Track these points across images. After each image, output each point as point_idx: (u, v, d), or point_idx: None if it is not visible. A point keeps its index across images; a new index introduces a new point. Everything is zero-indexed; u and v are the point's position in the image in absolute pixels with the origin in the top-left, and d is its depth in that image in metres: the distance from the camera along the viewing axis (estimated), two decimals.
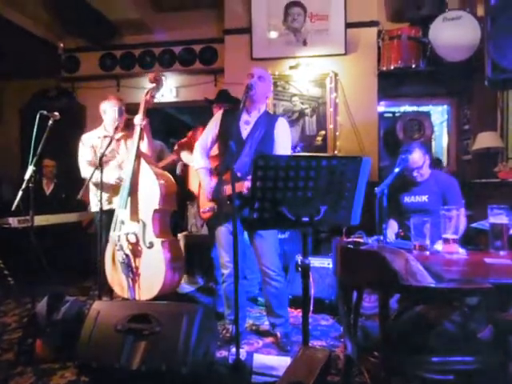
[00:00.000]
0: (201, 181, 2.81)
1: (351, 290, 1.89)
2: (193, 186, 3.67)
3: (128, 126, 3.45)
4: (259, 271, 2.75)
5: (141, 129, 3.16)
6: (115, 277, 3.09)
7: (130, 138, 3.44)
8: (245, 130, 2.68)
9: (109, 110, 3.41)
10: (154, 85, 3.25)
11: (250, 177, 2.37)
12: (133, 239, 3.04)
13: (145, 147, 3.24)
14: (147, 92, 3.23)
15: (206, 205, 2.78)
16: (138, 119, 3.17)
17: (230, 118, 2.70)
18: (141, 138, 3.17)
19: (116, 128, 3.32)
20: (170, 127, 6.35)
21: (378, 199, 2.40)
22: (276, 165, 1.73)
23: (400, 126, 4.59)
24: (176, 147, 3.84)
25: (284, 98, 4.73)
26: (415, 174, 2.94)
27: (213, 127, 2.79)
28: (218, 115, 2.82)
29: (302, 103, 4.69)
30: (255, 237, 2.68)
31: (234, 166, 2.30)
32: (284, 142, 2.69)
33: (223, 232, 2.72)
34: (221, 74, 5.01)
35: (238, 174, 2.57)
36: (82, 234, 4.56)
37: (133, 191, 3.10)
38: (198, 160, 2.81)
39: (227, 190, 2.60)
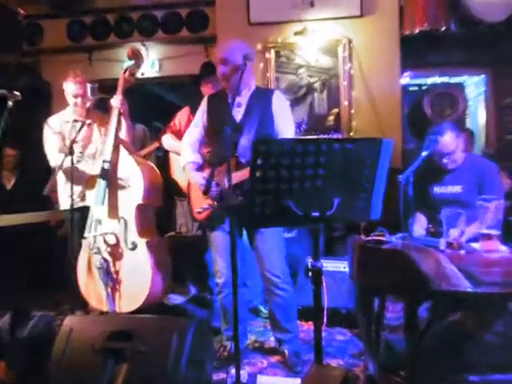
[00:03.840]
0: (190, 178, 2.82)
1: (372, 298, 1.89)
2: (177, 176, 3.67)
3: (101, 109, 3.44)
4: (261, 277, 2.75)
5: (119, 112, 3.16)
6: (91, 286, 3.10)
7: (105, 122, 3.43)
8: (238, 113, 2.70)
9: (68, 96, 3.41)
10: (133, 61, 3.24)
11: None
12: (112, 240, 3.04)
13: (123, 133, 3.24)
14: (125, 70, 3.23)
15: (201, 203, 2.76)
16: (117, 101, 3.17)
17: (217, 103, 2.74)
18: (119, 122, 3.17)
19: (87, 110, 3.31)
20: (153, 108, 6.33)
21: (403, 189, 2.39)
22: (279, 150, 1.72)
23: (428, 102, 4.57)
24: (162, 133, 3.82)
25: (288, 71, 4.71)
26: (445, 160, 2.93)
27: (199, 118, 2.84)
28: (202, 104, 2.86)
29: (310, 76, 4.66)
30: (256, 237, 2.68)
31: (230, 153, 2.29)
32: (285, 119, 2.73)
33: (219, 235, 2.72)
34: (212, 42, 4.96)
35: (242, 161, 2.59)
36: (51, 236, 4.56)
37: (111, 184, 3.10)
38: (185, 153, 2.84)
39: (234, 178, 2.57)
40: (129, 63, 3.24)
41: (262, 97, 2.73)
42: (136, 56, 3.25)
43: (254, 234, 2.68)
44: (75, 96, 3.38)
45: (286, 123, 2.70)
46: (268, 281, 2.70)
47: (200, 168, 2.80)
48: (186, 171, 2.85)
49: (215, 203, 2.65)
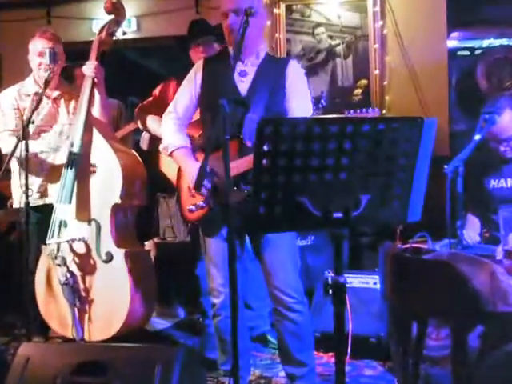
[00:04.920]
0: (182, 167, 2.81)
1: (410, 322, 1.91)
2: (166, 167, 3.67)
3: (68, 79, 3.45)
4: (269, 296, 2.77)
5: (93, 82, 3.17)
6: (52, 306, 3.11)
7: (73, 98, 3.45)
8: (242, 84, 2.70)
9: (32, 55, 3.39)
10: (113, 16, 3.25)
11: None
12: (81, 249, 3.05)
13: (97, 110, 3.25)
14: (102, 28, 3.24)
15: (194, 199, 2.76)
16: (90, 68, 3.17)
17: (215, 68, 2.72)
18: (92, 96, 3.18)
19: (47, 81, 3.33)
20: (128, 79, 6.35)
21: (450, 183, 2.40)
22: (292, 132, 1.73)
23: (482, 70, 4.57)
24: (137, 111, 3.81)
25: (303, 30, 4.72)
26: (503, 148, 2.93)
27: (191, 85, 2.80)
28: (197, 66, 2.84)
29: (331, 37, 4.67)
30: (263, 245, 2.69)
31: (228, 134, 2.29)
32: (302, 95, 2.74)
33: (216, 242, 2.72)
34: None
35: (248, 144, 2.60)
36: (0, 242, 4.59)
37: (81, 177, 3.11)
38: (171, 137, 2.78)
39: (237, 166, 2.56)
40: (108, 20, 3.23)
41: (273, 66, 2.74)
42: (117, 9, 3.24)
43: (260, 241, 2.69)
44: (40, 53, 3.32)
45: (302, 100, 2.72)
46: (278, 301, 2.70)
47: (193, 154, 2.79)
48: (175, 159, 2.82)
49: (210, 201, 2.65)
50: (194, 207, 2.71)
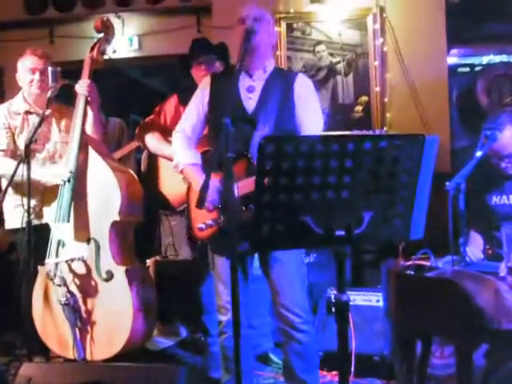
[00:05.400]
0: (192, 184, 2.80)
1: (414, 341, 1.89)
2: (165, 186, 3.66)
3: (68, 98, 3.46)
4: (271, 314, 2.75)
5: (86, 101, 3.18)
6: (51, 327, 3.10)
7: (64, 115, 3.46)
8: (249, 100, 2.69)
9: (22, 72, 3.39)
10: (102, 35, 3.28)
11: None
12: (81, 268, 3.04)
13: (90, 128, 3.26)
14: (93, 46, 3.26)
15: (204, 217, 2.75)
16: (83, 86, 3.19)
17: (222, 85, 2.70)
18: (85, 114, 3.19)
19: (49, 99, 3.34)
20: (131, 97, 6.38)
21: (451, 199, 2.40)
22: (293, 151, 1.73)
23: (482, 86, 4.57)
24: (138, 130, 3.81)
25: (304, 48, 4.74)
26: (505, 164, 2.93)
27: (198, 102, 2.80)
28: (204, 83, 2.82)
29: (332, 55, 4.69)
30: (270, 262, 2.67)
31: (228, 153, 2.29)
32: (312, 108, 2.73)
33: (225, 260, 2.67)
34: (207, 13, 5.02)
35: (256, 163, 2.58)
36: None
37: (78, 196, 3.12)
38: (181, 154, 2.78)
39: (240, 188, 2.55)
40: (98, 38, 3.26)
41: (281, 81, 2.72)
42: (106, 27, 3.27)
43: (268, 258, 2.67)
44: (33, 70, 3.33)
45: (312, 114, 2.71)
46: (284, 320, 2.67)
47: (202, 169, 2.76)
48: (185, 176, 2.82)
49: (221, 218, 2.64)
50: (203, 225, 2.70)
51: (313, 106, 2.75)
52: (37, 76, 3.34)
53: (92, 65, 3.24)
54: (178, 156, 2.79)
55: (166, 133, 3.53)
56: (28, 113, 3.40)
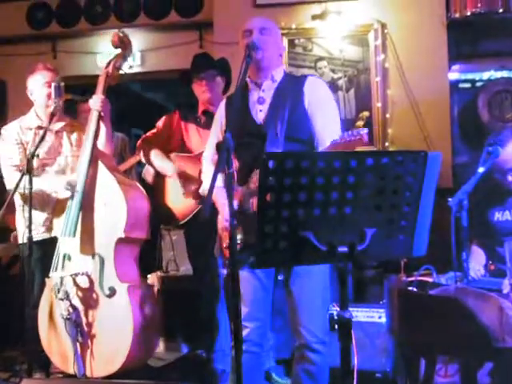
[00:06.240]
0: (219, 208, 2.77)
1: (417, 358, 1.88)
2: (171, 199, 3.66)
3: (70, 112, 3.47)
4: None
5: (99, 116, 3.20)
6: (54, 341, 3.09)
7: (77, 129, 3.47)
8: (260, 113, 2.65)
9: (37, 87, 3.42)
10: (120, 50, 3.28)
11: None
12: (84, 283, 3.04)
13: (102, 143, 3.26)
14: (109, 62, 3.27)
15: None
16: (97, 102, 3.20)
17: (235, 103, 2.64)
18: (98, 129, 3.20)
19: (52, 114, 3.35)
20: (132, 112, 6.40)
21: (454, 215, 2.40)
22: (296, 167, 1.73)
23: (484, 102, 4.58)
24: (139, 144, 3.81)
25: (305, 64, 4.76)
26: (510, 178, 2.93)
27: (217, 125, 2.80)
28: (220, 106, 2.83)
29: (333, 71, 4.71)
30: (291, 277, 2.59)
31: (230, 168, 2.28)
32: (326, 113, 2.62)
33: (247, 278, 2.58)
34: (209, 29, 5.06)
35: None
36: (2, 276, 4.57)
37: (85, 210, 3.12)
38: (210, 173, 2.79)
39: (254, 203, 2.54)
40: (114, 54, 3.26)
41: (290, 86, 2.65)
42: (123, 43, 3.27)
43: (290, 272, 2.59)
44: (48, 84, 3.31)
45: (326, 120, 2.60)
46: (300, 337, 2.59)
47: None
48: (214, 200, 2.80)
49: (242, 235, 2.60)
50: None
51: (326, 108, 2.63)
52: (52, 90, 3.32)
53: (107, 80, 3.24)
54: (206, 175, 2.79)
55: (167, 148, 3.56)
56: (40, 128, 3.40)
